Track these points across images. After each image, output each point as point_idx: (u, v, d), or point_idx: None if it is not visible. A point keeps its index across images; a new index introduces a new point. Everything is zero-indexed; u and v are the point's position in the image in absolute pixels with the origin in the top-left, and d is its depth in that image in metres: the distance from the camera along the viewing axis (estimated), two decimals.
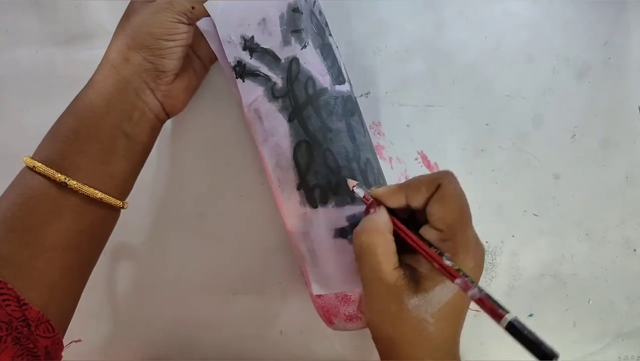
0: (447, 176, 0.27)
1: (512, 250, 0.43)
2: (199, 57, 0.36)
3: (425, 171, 0.42)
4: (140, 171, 0.34)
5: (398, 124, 0.41)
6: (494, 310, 0.23)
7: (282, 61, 0.33)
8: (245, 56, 0.33)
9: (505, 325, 0.22)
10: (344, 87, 0.34)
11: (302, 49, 0.33)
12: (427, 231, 0.28)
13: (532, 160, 0.43)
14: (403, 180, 0.42)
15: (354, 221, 0.32)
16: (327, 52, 0.34)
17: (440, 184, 0.27)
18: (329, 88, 0.33)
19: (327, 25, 0.36)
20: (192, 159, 0.40)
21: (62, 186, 0.29)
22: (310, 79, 0.33)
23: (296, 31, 0.33)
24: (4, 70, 0.39)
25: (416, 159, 0.42)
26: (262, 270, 0.41)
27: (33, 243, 0.29)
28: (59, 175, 0.29)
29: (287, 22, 0.32)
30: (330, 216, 0.33)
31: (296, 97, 0.33)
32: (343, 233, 0.33)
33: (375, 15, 0.41)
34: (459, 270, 0.25)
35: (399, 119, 0.41)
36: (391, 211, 0.29)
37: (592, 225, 0.45)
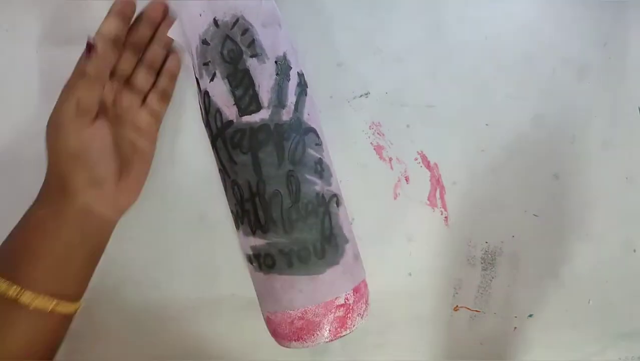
0: None
1: (512, 250, 0.43)
2: (139, 136, 0.36)
3: (425, 171, 0.42)
4: (95, 268, 0.34)
5: (398, 124, 0.41)
6: None
7: (202, 94, 0.34)
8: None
9: None
10: (257, 117, 0.32)
11: (210, 81, 0.32)
12: None
13: (532, 160, 0.43)
14: (403, 181, 0.42)
15: (257, 252, 0.33)
16: (239, 79, 0.32)
17: None
18: (235, 120, 0.32)
19: (253, 42, 0.32)
20: (192, 159, 0.40)
21: (14, 299, 0.29)
22: (218, 111, 0.32)
23: (205, 64, 0.33)
24: (4, 70, 0.39)
25: (416, 159, 0.42)
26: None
27: None
28: (12, 289, 0.28)
29: (199, 55, 0.33)
30: (241, 241, 0.34)
31: (211, 128, 0.34)
32: (250, 259, 0.34)
33: (376, 15, 0.41)
34: None
35: (399, 119, 0.41)
36: None
37: (592, 225, 0.45)
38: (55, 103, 0.32)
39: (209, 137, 0.34)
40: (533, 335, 0.45)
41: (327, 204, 0.33)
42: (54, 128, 0.31)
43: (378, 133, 0.41)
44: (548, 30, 0.43)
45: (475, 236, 0.43)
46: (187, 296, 0.41)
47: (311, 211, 0.32)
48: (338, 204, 0.34)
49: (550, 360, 0.45)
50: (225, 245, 0.40)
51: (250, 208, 0.32)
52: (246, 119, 0.32)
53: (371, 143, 0.41)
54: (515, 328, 0.44)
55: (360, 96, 0.41)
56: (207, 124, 0.34)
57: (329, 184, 0.34)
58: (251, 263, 0.34)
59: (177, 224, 0.41)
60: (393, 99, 0.41)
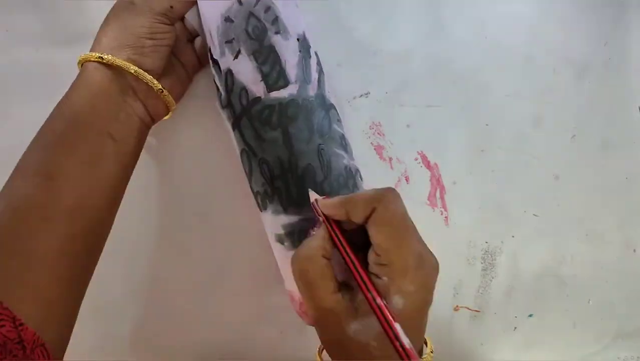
0: (384, 197, 0.26)
1: (512, 250, 0.43)
2: (183, 64, 0.37)
3: (425, 172, 0.42)
4: (129, 178, 0.34)
5: (398, 124, 0.41)
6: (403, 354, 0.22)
7: (222, 73, 0.33)
8: (215, 65, 0.34)
9: None
10: (285, 92, 0.32)
11: (234, 59, 0.33)
12: (370, 253, 0.27)
13: (532, 160, 0.43)
14: (403, 181, 0.42)
15: (290, 230, 0.32)
16: (265, 55, 0.32)
17: (374, 208, 0.26)
18: (263, 97, 0.32)
19: (276, 20, 0.33)
20: (192, 159, 0.40)
21: (50, 187, 0.29)
22: (243, 89, 0.32)
23: (228, 41, 0.33)
24: (4, 70, 0.39)
25: (416, 159, 0.42)
26: (261, 270, 0.41)
27: (24, 253, 0.27)
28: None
29: (222, 33, 0.33)
30: (270, 222, 0.33)
31: (234, 108, 0.33)
32: (280, 239, 0.33)
33: (376, 16, 0.41)
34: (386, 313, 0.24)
35: (399, 119, 0.41)
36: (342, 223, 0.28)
37: (592, 225, 0.45)
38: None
39: (228, 119, 0.34)
40: (533, 335, 0.45)
41: (354, 177, 0.34)
42: (127, 9, 0.32)
43: (378, 133, 0.41)
44: (548, 30, 0.43)
45: (475, 236, 0.43)
46: (186, 296, 0.41)
47: (342, 184, 0.33)
48: (361, 178, 0.35)
49: (550, 360, 0.45)
50: (225, 245, 0.41)
51: (281, 185, 0.32)
52: (274, 95, 0.32)
53: (371, 143, 0.41)
54: (515, 328, 0.44)
55: (360, 96, 0.41)
56: (228, 105, 0.33)
57: (353, 159, 0.35)
58: (282, 243, 0.33)
59: (177, 224, 0.41)
60: (393, 99, 0.41)
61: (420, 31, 0.41)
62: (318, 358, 0.31)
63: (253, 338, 0.42)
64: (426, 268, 0.27)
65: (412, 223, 0.27)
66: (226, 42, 0.33)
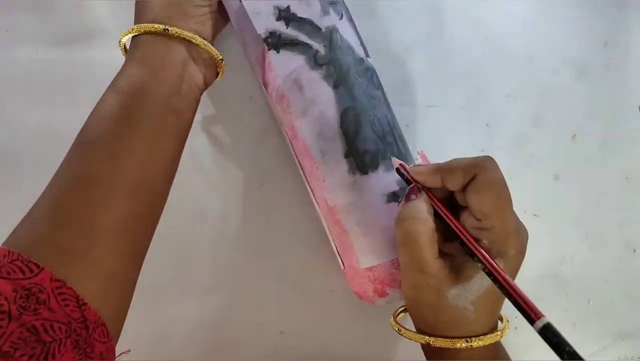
0: (485, 163, 0.27)
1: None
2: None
3: None
4: (183, 149, 0.33)
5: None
6: (528, 310, 0.23)
7: (323, 29, 0.33)
8: (281, 26, 0.33)
9: (540, 327, 0.22)
10: (372, 62, 0.35)
11: (339, 19, 0.34)
12: (466, 218, 0.27)
13: (532, 160, 0.43)
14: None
15: (404, 185, 0.32)
16: (355, 27, 0.35)
17: (476, 174, 0.26)
18: (364, 59, 0.34)
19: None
20: (192, 159, 0.40)
21: (115, 164, 0.28)
22: (349, 48, 0.34)
23: (333, 2, 0.34)
24: (4, 70, 0.39)
25: (416, 159, 0.42)
26: (261, 271, 0.41)
27: (87, 229, 0.26)
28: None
29: None
30: (381, 181, 0.32)
31: (340, 64, 0.33)
32: (395, 197, 0.32)
33: (376, 16, 0.41)
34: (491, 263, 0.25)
35: (399, 119, 0.41)
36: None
37: (592, 225, 0.45)
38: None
39: (332, 75, 0.33)
40: (533, 335, 0.45)
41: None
42: None
43: None
44: (548, 30, 0.43)
45: None
46: (186, 296, 0.41)
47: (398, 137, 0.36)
48: None
49: (550, 360, 0.45)
50: (225, 245, 0.41)
51: (392, 141, 0.34)
52: (369, 60, 0.35)
53: None
54: (515, 328, 0.44)
55: None
56: (331, 61, 0.33)
57: None
58: (397, 201, 0.32)
59: (177, 224, 0.41)
60: (393, 99, 0.41)
61: (420, 31, 0.41)
62: (393, 322, 0.31)
63: (252, 339, 0.42)
64: (522, 234, 0.28)
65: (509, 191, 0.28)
66: (330, 2, 0.34)
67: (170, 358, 0.42)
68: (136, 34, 0.30)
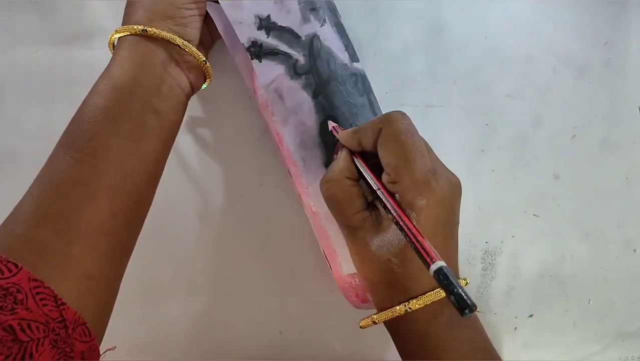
0: (390, 117, 0.28)
1: (512, 250, 0.43)
2: (209, 30, 0.36)
3: None
4: (169, 153, 0.33)
5: None
6: (424, 254, 0.23)
7: (303, 38, 0.33)
8: (261, 36, 0.33)
9: (434, 270, 0.22)
10: (360, 66, 0.35)
11: (321, 26, 0.33)
12: (383, 176, 0.28)
13: (532, 160, 0.43)
14: None
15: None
16: (341, 31, 0.35)
17: (381, 128, 0.27)
18: (349, 65, 0.34)
19: (335, 7, 0.36)
20: (192, 159, 0.40)
21: (94, 164, 0.28)
22: (331, 55, 0.33)
23: (314, 9, 0.33)
24: (4, 70, 0.39)
25: None
26: (261, 271, 0.41)
27: (67, 230, 0.26)
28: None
29: (305, 1, 0.33)
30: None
31: (320, 73, 0.33)
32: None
33: (375, 15, 0.41)
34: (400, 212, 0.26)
35: None
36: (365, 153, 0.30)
37: (592, 225, 0.45)
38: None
39: (306, 87, 0.33)
40: (533, 335, 0.45)
41: None
42: None
43: None
44: (548, 30, 0.43)
45: (475, 236, 0.43)
46: (186, 296, 0.41)
47: None
48: None
49: (550, 360, 0.45)
50: (225, 245, 0.41)
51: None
52: (356, 65, 0.35)
53: None
54: (515, 328, 0.44)
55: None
56: (311, 70, 0.33)
57: None
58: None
59: (177, 224, 0.41)
60: (393, 99, 0.41)
61: (420, 31, 0.41)
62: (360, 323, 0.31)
63: (252, 338, 0.42)
64: (441, 183, 0.27)
65: (422, 141, 0.28)
66: (311, 9, 0.33)
67: (169, 358, 0.42)
68: (119, 35, 0.31)
